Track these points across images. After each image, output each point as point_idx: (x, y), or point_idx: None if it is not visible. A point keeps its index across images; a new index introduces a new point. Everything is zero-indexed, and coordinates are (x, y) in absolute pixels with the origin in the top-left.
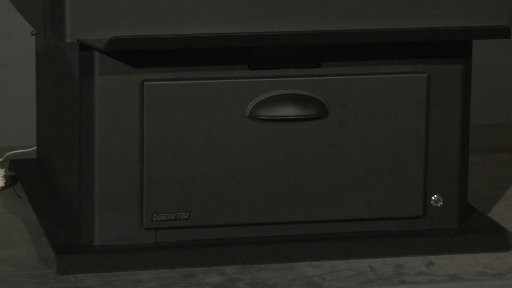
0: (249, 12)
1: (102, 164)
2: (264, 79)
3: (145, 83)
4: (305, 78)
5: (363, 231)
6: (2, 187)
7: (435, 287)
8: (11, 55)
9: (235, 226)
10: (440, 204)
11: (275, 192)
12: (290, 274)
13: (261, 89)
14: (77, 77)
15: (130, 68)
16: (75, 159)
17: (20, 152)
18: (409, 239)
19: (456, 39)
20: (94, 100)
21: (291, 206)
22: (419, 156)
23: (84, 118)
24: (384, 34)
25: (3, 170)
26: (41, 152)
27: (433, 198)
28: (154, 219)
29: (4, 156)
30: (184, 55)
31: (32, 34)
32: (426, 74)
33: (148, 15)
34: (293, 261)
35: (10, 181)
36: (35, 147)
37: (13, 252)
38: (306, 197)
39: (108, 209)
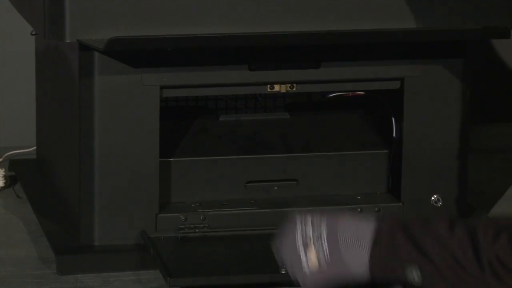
0: (249, 12)
1: (102, 164)
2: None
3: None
4: (304, 79)
5: None
6: (2, 187)
7: None
8: (11, 55)
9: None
10: (440, 204)
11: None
12: None
13: None
14: (77, 77)
15: (130, 68)
16: (75, 159)
17: (20, 152)
18: None
19: (456, 39)
20: (94, 100)
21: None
22: None
23: (84, 118)
24: (384, 34)
25: (3, 170)
26: (41, 152)
27: (432, 198)
28: None
29: (4, 156)
30: (184, 56)
31: (32, 34)
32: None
33: (148, 15)
34: None
35: (10, 181)
36: (35, 147)
37: (13, 252)
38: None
39: (108, 209)
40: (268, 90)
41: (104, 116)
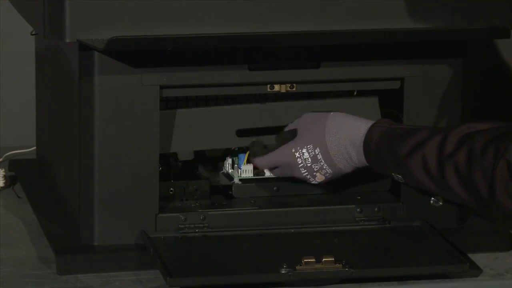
0: (249, 12)
1: (102, 164)
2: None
3: None
4: (304, 79)
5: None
6: (2, 187)
7: (435, 286)
8: (11, 55)
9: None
10: (440, 204)
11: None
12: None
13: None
14: (77, 77)
15: (130, 68)
16: (75, 159)
17: (20, 152)
18: None
19: (456, 39)
20: (94, 100)
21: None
22: None
23: (84, 118)
24: (383, 34)
25: (3, 170)
26: (41, 152)
27: (432, 198)
28: None
29: (4, 156)
30: (184, 56)
31: (32, 34)
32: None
33: (148, 15)
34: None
35: (10, 181)
36: (35, 147)
37: (13, 252)
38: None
39: (108, 209)
40: (268, 90)
41: (104, 116)
